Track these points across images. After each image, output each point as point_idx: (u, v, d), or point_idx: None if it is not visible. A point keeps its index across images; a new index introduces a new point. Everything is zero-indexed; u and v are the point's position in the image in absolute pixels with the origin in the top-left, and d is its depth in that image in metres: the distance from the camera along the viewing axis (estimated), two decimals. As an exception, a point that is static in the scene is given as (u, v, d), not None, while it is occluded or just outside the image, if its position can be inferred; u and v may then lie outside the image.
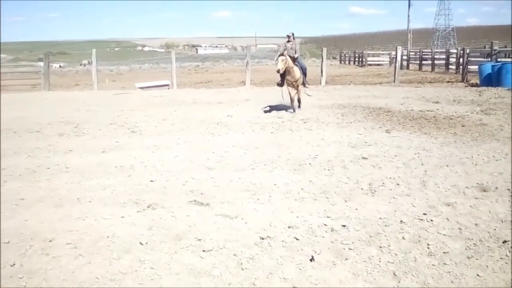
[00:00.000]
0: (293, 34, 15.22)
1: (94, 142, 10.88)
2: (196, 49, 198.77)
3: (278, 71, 14.47)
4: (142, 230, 5.57)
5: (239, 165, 8.44)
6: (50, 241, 5.35)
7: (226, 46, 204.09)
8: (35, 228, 5.75)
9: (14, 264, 4.80)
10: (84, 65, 66.52)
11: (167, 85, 25.36)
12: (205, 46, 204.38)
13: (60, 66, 67.31)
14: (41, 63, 36.62)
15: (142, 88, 25.01)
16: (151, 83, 26.34)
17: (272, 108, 15.11)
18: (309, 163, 8.46)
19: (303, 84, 15.10)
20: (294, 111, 14.56)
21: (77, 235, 5.49)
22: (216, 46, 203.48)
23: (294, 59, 14.61)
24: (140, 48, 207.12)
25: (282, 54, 14.56)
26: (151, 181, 7.59)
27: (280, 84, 14.97)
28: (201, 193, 6.93)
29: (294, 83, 14.58)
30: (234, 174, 7.84)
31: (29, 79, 28.28)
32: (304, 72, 15.05)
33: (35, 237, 5.44)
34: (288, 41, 14.96)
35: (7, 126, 13.14)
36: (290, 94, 14.70)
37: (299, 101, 15.13)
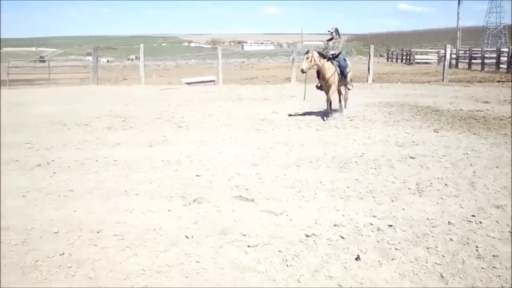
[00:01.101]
0: (336, 30, 13.79)
1: (141, 136, 11.02)
2: (242, 45, 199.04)
3: (302, 71, 13.16)
4: (188, 224, 5.62)
5: (284, 162, 8.42)
6: (98, 232, 5.45)
7: (272, 43, 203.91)
8: (84, 219, 5.87)
9: (63, 254, 4.92)
10: (132, 60, 67.45)
11: (213, 81, 25.51)
12: (251, 43, 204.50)
13: (108, 61, 68.41)
14: (90, 58, 37.43)
15: (188, 83, 25.23)
16: (198, 79, 26.54)
17: (317, 105, 14.99)
18: (355, 162, 8.38)
19: (341, 84, 13.68)
20: (327, 116, 13.05)
21: (124, 227, 5.58)
22: (262, 43, 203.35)
23: (331, 57, 13.25)
24: (186, 44, 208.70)
25: (307, 52, 13.14)
26: (197, 175, 7.65)
27: (319, 87, 13.70)
28: (246, 189, 6.95)
29: (326, 83, 13.24)
30: (279, 171, 7.83)
31: (78, 73, 28.91)
32: (342, 72, 13.46)
33: (83, 228, 5.56)
34: (331, 39, 13.72)
35: (57, 119, 13.45)
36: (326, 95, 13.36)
37: (344, 101, 14.02)
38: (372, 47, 26.44)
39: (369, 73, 24.90)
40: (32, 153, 9.45)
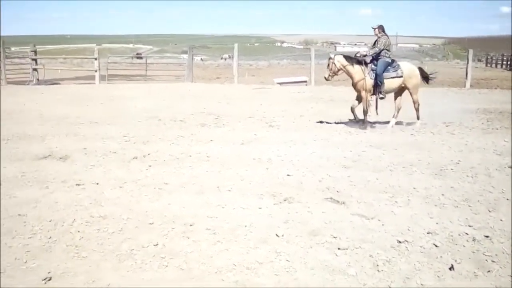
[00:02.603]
0: (380, 27, 12.06)
1: (234, 133, 11.17)
2: (335, 46, 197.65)
3: (326, 79, 12.32)
4: (279, 223, 5.64)
5: (377, 166, 8.28)
6: (190, 225, 5.57)
7: (365, 44, 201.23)
8: (177, 212, 6.02)
9: (157, 244, 5.08)
10: (225, 59, 68.30)
11: (305, 81, 25.48)
12: (344, 44, 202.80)
13: (201, 59, 69.70)
14: (185, 56, 38.27)
15: (280, 83, 25.34)
16: (290, 79, 26.58)
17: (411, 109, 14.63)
18: (451, 169, 8.10)
19: (377, 91, 12.02)
20: (362, 125, 11.94)
21: (216, 221, 5.68)
22: (355, 44, 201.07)
23: (363, 60, 11.94)
24: (279, 44, 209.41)
25: (329, 58, 12.06)
26: (288, 175, 7.65)
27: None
28: (337, 191, 6.88)
29: (354, 89, 12.32)
30: (371, 175, 7.70)
31: (174, 70, 29.70)
32: (376, 77, 11.82)
33: (177, 221, 5.70)
34: (377, 39, 12.03)
35: (153, 114, 13.88)
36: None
37: (395, 111, 12.25)
38: (471, 51, 25.46)
39: (466, 78, 24.08)
40: (129, 146, 9.78)
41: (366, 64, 11.97)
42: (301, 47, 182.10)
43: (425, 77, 12.66)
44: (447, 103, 14.68)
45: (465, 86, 23.67)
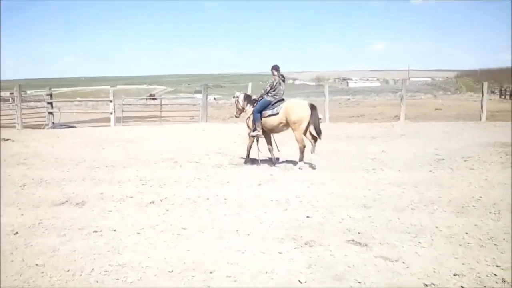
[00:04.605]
0: (273, 67, 12.58)
1: (250, 174, 11.09)
2: (347, 82, 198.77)
3: (235, 116, 13.93)
4: (301, 268, 5.52)
5: (397, 204, 8.14)
6: (210, 272, 5.47)
7: (377, 79, 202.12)
8: (197, 258, 5.92)
9: (178, 294, 4.96)
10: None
11: (320, 118, 25.37)
12: (356, 79, 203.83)
13: (214, 99, 70.14)
14: (198, 95, 38.53)
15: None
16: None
17: (428, 145, 14.51)
18: (473, 206, 7.96)
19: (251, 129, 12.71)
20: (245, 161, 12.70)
21: (237, 268, 5.57)
22: (368, 79, 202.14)
23: (255, 99, 12.83)
24: (291, 81, 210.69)
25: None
26: (307, 217, 7.54)
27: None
28: (359, 232, 6.76)
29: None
30: (392, 214, 7.57)
31: (188, 111, 29.88)
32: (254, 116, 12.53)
33: (197, 268, 5.60)
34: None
35: (168, 155, 13.86)
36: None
37: (300, 153, 11.99)
38: (485, 84, 25.32)
39: (482, 111, 23.91)
40: (146, 189, 9.73)
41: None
42: (314, 83, 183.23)
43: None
44: (464, 137, 14.52)
45: (480, 119, 23.49)
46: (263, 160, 12.60)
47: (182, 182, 10.31)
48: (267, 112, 12.31)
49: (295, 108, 12.16)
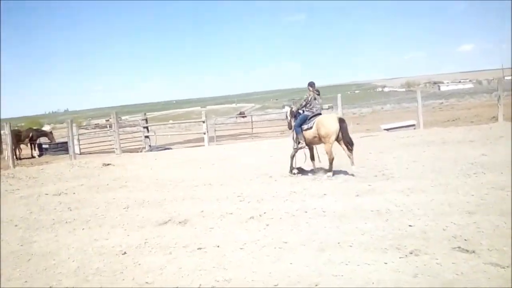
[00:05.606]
0: (309, 84, 13.31)
1: (347, 185, 10.99)
2: (438, 86, 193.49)
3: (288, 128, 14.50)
4: (407, 277, 5.43)
5: (504, 209, 7.81)
6: (316, 285, 5.47)
7: (470, 81, 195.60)
8: (301, 271, 5.95)
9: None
10: (327, 109, 68.70)
11: (413, 125, 24.82)
12: (448, 82, 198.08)
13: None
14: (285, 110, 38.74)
15: (387, 129, 24.87)
16: (397, 124, 26.01)
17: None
18: None
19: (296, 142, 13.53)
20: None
21: (342, 280, 5.54)
22: (460, 82, 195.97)
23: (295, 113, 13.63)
24: (380, 89, 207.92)
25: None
26: (410, 225, 7.39)
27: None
28: (465, 239, 6.56)
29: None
30: (499, 219, 7.28)
31: (278, 126, 30.05)
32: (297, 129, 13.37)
33: (302, 281, 5.63)
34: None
35: (263, 171, 13.99)
36: None
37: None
38: None
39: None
40: (244, 205, 9.86)
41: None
42: (403, 89, 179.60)
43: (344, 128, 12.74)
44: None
45: None
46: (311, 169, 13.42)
47: (279, 197, 10.37)
48: (304, 126, 13.16)
49: (324, 122, 12.75)
